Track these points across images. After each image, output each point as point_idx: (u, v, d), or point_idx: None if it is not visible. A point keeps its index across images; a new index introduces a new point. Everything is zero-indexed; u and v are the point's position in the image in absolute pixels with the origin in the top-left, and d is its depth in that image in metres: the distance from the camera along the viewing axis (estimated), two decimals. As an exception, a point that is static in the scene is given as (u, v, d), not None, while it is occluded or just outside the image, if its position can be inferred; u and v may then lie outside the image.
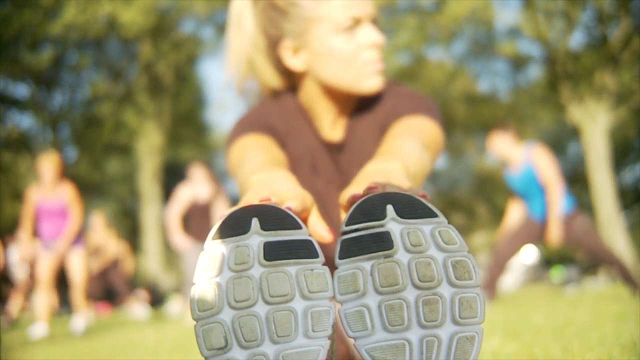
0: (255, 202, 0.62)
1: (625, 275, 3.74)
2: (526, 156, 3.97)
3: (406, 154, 0.85)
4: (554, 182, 3.82)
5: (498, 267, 4.00)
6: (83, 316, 4.63)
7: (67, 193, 4.67)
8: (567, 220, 3.86)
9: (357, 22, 1.06)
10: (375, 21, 1.09)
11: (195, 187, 5.13)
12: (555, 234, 3.80)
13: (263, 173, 0.78)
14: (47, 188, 4.63)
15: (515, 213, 4.31)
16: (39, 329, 4.27)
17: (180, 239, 5.11)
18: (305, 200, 0.66)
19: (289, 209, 0.60)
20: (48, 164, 4.57)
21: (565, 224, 3.84)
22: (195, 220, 5.04)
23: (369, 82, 1.08)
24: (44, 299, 4.48)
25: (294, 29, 1.10)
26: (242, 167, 0.93)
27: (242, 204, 0.63)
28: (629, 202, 18.52)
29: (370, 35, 1.06)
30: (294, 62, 1.13)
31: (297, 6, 1.09)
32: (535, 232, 3.97)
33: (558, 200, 3.80)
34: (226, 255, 0.55)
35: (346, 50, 1.06)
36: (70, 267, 4.69)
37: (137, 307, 7.22)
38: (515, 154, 4.01)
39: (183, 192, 5.14)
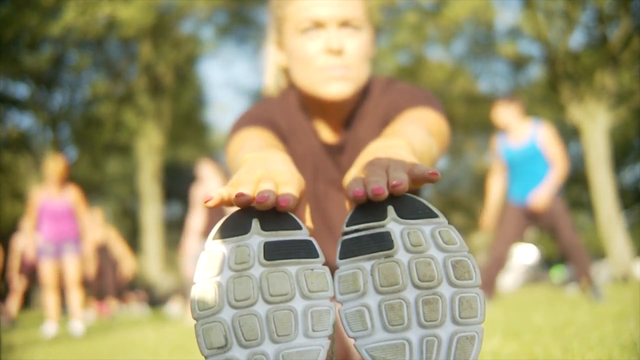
0: (249, 182, 0.60)
1: (583, 268, 3.73)
2: (533, 132, 3.96)
3: (409, 133, 0.81)
4: (562, 159, 3.86)
5: (495, 265, 3.97)
6: (80, 321, 4.64)
7: (72, 196, 4.74)
8: (558, 197, 3.87)
9: (318, 24, 1.02)
10: (348, 24, 1.03)
11: (206, 184, 5.11)
12: (542, 199, 3.78)
13: (258, 152, 0.74)
14: (53, 190, 4.70)
15: (496, 188, 4.24)
16: (49, 328, 4.41)
17: (188, 246, 5.09)
18: (301, 184, 0.64)
19: (286, 202, 0.57)
20: (54, 166, 4.65)
21: (556, 198, 3.85)
22: (209, 217, 5.01)
23: (327, 88, 1.04)
24: (52, 298, 4.60)
25: (275, 26, 1.12)
26: (237, 155, 0.91)
27: (234, 182, 0.61)
28: (629, 202, 18.51)
29: (329, 40, 1.02)
30: (279, 57, 1.15)
31: (276, 4, 1.10)
32: (521, 216, 3.94)
33: (560, 176, 3.83)
34: (226, 255, 0.55)
35: (303, 52, 1.04)
36: (65, 271, 4.72)
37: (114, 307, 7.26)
38: (521, 127, 4.00)
39: (197, 194, 5.12)
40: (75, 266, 4.69)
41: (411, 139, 0.76)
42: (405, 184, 0.57)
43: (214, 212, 5.00)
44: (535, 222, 4.00)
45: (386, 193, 0.56)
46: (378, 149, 0.69)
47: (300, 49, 1.05)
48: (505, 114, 4.03)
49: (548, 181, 3.82)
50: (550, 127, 4.03)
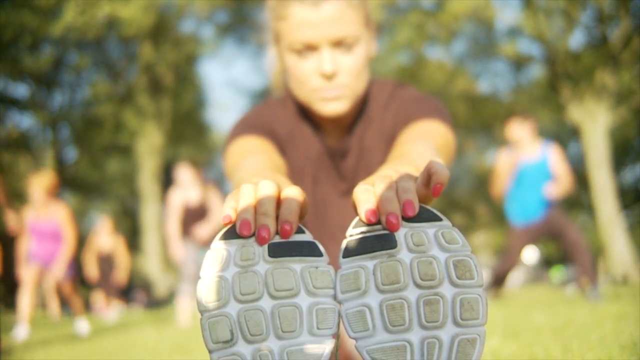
0: (250, 185, 0.61)
1: (587, 269, 3.89)
2: (544, 150, 4.20)
3: (418, 156, 0.80)
4: (568, 175, 4.09)
5: (502, 273, 4.25)
6: (84, 319, 4.62)
7: (60, 214, 4.43)
8: (554, 208, 4.10)
9: (310, 47, 1.01)
10: (342, 43, 1.01)
11: (184, 190, 4.97)
12: (554, 192, 4.01)
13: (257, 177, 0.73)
14: (39, 208, 4.40)
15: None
16: (21, 330, 4.08)
17: (179, 251, 4.97)
18: (304, 209, 0.63)
19: (288, 233, 0.57)
20: (38, 184, 4.35)
21: (552, 209, 4.09)
22: (188, 225, 4.88)
23: (323, 107, 1.05)
24: (27, 298, 4.24)
25: (271, 36, 1.11)
26: (240, 170, 0.90)
27: (237, 195, 0.61)
28: (629, 202, 18.52)
29: (320, 64, 1.01)
30: (279, 60, 1.14)
31: (270, 16, 1.08)
32: (526, 237, 4.19)
33: (565, 190, 4.06)
34: (232, 253, 0.56)
35: (298, 72, 1.04)
36: (61, 291, 4.62)
37: (109, 310, 7.23)
38: (533, 144, 4.22)
39: (175, 199, 4.96)
40: (67, 287, 4.54)
41: (419, 163, 0.76)
42: (414, 195, 0.57)
43: (190, 214, 4.93)
44: (540, 235, 4.23)
45: (400, 224, 0.56)
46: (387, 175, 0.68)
47: (294, 68, 1.04)
48: (520, 131, 4.21)
49: (558, 185, 4.05)
50: (558, 148, 4.29)
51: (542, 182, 4.12)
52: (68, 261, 4.45)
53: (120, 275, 7.49)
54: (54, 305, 7.83)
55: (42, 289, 8.67)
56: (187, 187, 4.98)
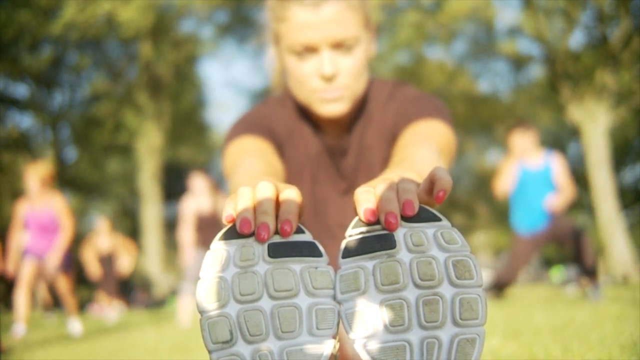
0: (249, 187, 0.61)
1: (591, 270, 3.94)
2: (547, 158, 4.28)
3: (420, 160, 0.80)
4: (570, 185, 4.16)
5: (507, 278, 4.29)
6: (77, 319, 4.61)
7: (57, 204, 4.37)
8: (560, 215, 4.16)
9: (310, 49, 1.01)
10: (342, 44, 1.01)
11: (197, 199, 5.03)
12: (556, 205, 4.07)
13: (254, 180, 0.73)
14: (35, 199, 4.35)
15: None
16: (19, 329, 4.01)
17: (188, 258, 4.98)
18: (301, 210, 0.63)
19: (287, 233, 0.57)
20: (33, 173, 4.30)
21: (558, 216, 4.14)
22: (201, 233, 4.91)
23: (322, 108, 1.05)
24: (24, 298, 4.15)
25: (271, 36, 1.11)
26: (237, 172, 0.90)
27: (236, 197, 0.61)
28: (629, 202, 18.52)
29: (320, 65, 1.01)
30: (278, 60, 1.14)
31: (269, 17, 1.08)
32: (531, 246, 4.22)
33: (568, 199, 4.13)
34: (232, 254, 0.56)
35: (297, 73, 1.04)
36: (55, 286, 4.54)
37: (109, 310, 7.20)
38: (536, 152, 4.31)
39: (187, 207, 5.02)
40: (64, 281, 4.48)
41: (421, 168, 0.75)
42: (414, 195, 0.58)
43: (203, 222, 4.95)
44: (545, 242, 4.27)
45: (399, 223, 0.56)
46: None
47: (294, 69, 1.05)
48: (522, 141, 4.29)
49: (560, 197, 4.10)
50: (561, 157, 4.35)
51: (545, 191, 4.16)
52: (64, 251, 4.37)
53: (126, 266, 7.46)
54: (42, 292, 7.72)
55: (39, 289, 8.64)
56: (200, 195, 5.02)
